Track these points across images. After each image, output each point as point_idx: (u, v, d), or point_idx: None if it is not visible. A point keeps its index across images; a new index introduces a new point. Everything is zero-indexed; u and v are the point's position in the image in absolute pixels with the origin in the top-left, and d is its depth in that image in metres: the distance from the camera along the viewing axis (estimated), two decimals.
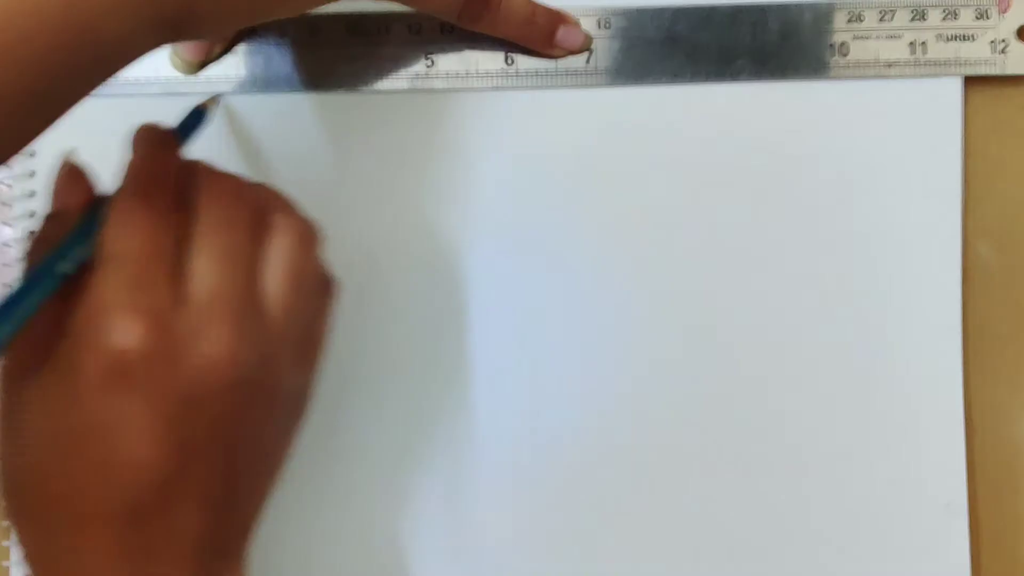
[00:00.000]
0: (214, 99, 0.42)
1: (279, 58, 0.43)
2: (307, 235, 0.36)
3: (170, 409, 0.31)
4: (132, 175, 0.34)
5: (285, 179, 0.43)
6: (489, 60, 0.43)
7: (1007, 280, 0.44)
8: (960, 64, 0.43)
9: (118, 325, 0.31)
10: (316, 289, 0.37)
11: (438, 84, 0.43)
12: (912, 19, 0.43)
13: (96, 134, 0.43)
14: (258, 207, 0.35)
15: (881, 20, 0.43)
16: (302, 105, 0.44)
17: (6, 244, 0.45)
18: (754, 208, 0.43)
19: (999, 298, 0.44)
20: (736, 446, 0.43)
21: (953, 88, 0.43)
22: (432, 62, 0.43)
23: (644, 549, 0.43)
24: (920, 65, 0.43)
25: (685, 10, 0.43)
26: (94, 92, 0.32)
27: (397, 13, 0.42)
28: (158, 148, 0.35)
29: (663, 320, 0.43)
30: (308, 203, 0.42)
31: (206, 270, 0.33)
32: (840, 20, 0.43)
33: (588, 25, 0.43)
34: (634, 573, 0.43)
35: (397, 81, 0.43)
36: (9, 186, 0.44)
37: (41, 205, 0.44)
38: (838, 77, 0.43)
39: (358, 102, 0.44)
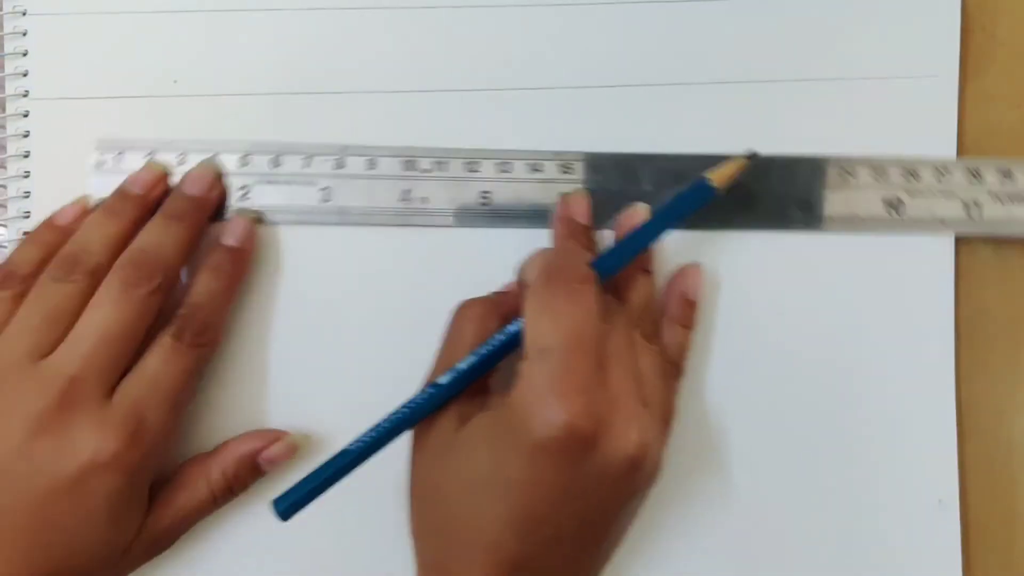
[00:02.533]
0: (747, 157, 0.42)
1: None
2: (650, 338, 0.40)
3: (584, 483, 0.36)
4: (548, 269, 0.38)
5: None
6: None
7: (1000, 277, 0.44)
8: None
9: (547, 413, 0.35)
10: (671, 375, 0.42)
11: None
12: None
13: None
14: (654, 310, 0.41)
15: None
16: None
17: (1, 245, 0.45)
18: None
19: (992, 295, 0.44)
20: (732, 441, 0.44)
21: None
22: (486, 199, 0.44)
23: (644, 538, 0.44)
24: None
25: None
26: None
27: None
28: (574, 239, 0.41)
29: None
30: None
31: (617, 367, 0.37)
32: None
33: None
34: (635, 560, 0.44)
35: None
36: (3, 187, 0.45)
37: (35, 206, 0.44)
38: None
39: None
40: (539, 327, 0.36)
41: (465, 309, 0.41)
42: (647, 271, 0.42)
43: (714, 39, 0.44)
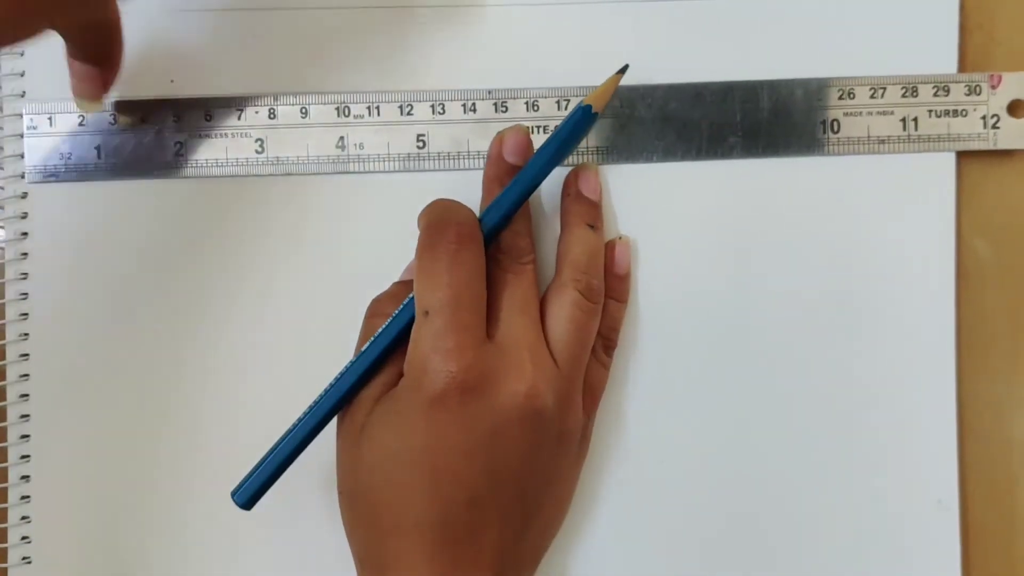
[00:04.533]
0: (620, 72, 0.41)
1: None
2: (586, 294, 0.40)
3: (483, 436, 0.37)
4: (428, 230, 0.38)
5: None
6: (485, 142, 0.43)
7: (1001, 278, 0.44)
8: (952, 140, 0.43)
9: (434, 367, 0.36)
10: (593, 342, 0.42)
11: (428, 164, 0.44)
12: (904, 95, 0.43)
13: None
14: (594, 266, 0.41)
15: (872, 96, 0.43)
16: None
17: None
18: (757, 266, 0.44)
19: (992, 296, 0.44)
20: (733, 441, 0.44)
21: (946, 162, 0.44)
22: (423, 143, 0.44)
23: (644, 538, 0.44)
24: (912, 141, 0.43)
25: (676, 88, 0.43)
26: None
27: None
28: (449, 208, 0.39)
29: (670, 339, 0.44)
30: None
31: (508, 320, 0.38)
32: (831, 97, 0.43)
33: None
34: (638, 558, 0.44)
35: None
36: (1, 188, 0.44)
37: (32, 208, 0.44)
38: (830, 153, 0.43)
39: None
40: (422, 291, 0.38)
41: (372, 307, 0.41)
42: (591, 226, 0.42)
43: None
